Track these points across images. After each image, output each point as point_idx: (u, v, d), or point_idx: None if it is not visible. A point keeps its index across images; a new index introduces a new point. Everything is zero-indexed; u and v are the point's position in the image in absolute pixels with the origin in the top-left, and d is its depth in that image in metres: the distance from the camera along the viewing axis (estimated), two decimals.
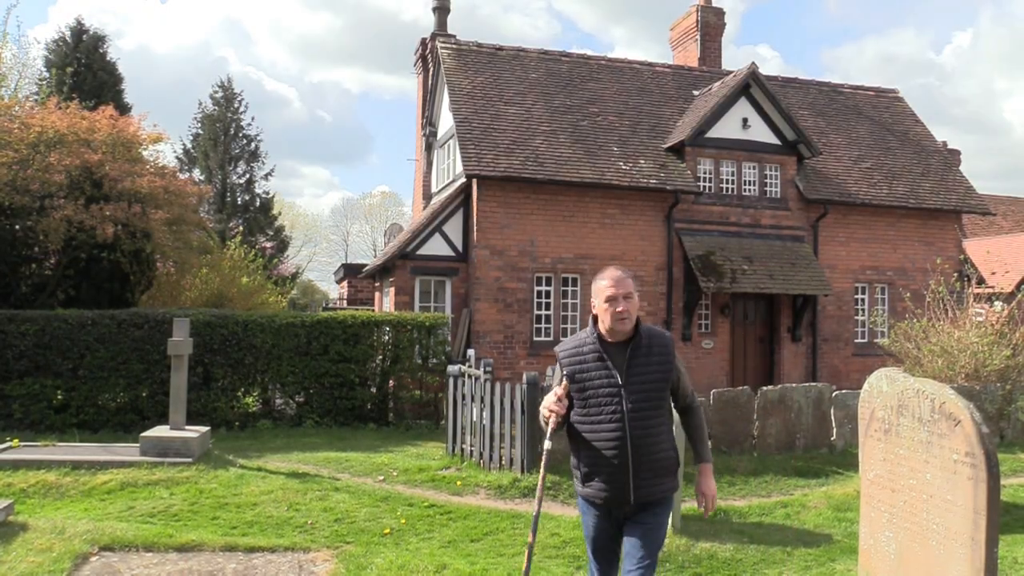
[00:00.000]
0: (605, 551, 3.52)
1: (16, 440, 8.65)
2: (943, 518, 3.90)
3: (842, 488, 7.67)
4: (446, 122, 16.50)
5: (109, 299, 12.66)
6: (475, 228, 14.13)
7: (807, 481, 8.17)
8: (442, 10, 18.57)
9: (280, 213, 29.95)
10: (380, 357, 12.19)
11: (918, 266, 16.28)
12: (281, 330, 11.51)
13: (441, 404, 12.35)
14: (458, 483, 7.88)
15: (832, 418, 9.56)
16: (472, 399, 8.84)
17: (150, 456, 7.91)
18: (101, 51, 18.75)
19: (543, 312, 14.49)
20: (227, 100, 27.20)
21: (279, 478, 7.62)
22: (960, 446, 3.82)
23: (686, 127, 15.64)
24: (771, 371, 15.98)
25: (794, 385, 9.63)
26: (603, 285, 3.45)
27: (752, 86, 15.67)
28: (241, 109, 27.40)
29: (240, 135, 27.14)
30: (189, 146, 26.92)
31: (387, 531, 6.23)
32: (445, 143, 16.69)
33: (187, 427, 8.43)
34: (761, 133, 15.82)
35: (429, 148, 18.42)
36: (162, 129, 13.74)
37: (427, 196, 18.56)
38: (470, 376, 9.13)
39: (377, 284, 17.75)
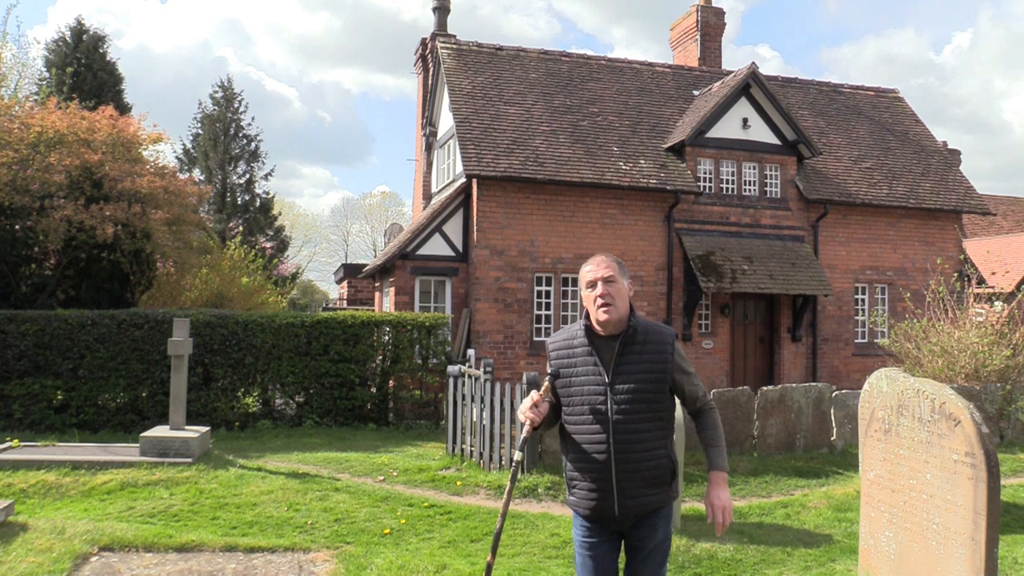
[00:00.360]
0: (597, 570, 3.10)
1: (16, 440, 8.64)
2: (943, 518, 3.90)
3: (842, 488, 7.67)
4: (446, 122, 16.50)
5: (109, 299, 12.66)
6: (475, 228, 14.13)
7: (807, 481, 8.17)
8: (442, 10, 18.58)
9: (280, 213, 29.94)
10: (380, 357, 12.19)
11: (918, 266, 16.28)
12: (281, 330, 11.51)
13: (441, 404, 12.35)
14: (458, 483, 7.88)
15: (832, 418, 9.56)
16: (472, 399, 8.84)
17: (150, 456, 7.90)
18: (101, 51, 18.75)
19: (543, 312, 14.49)
20: (227, 100, 27.19)
21: (279, 478, 7.62)
22: (960, 446, 3.82)
23: (686, 127, 15.64)
24: (771, 371, 15.98)
25: (794, 385, 9.63)
26: (585, 270, 3.15)
27: (752, 86, 15.67)
28: (241, 109, 27.39)
29: (240, 135, 27.13)
30: (189, 146, 26.91)
31: (387, 531, 6.23)
32: (445, 143, 16.69)
33: (187, 427, 8.43)
34: (761, 133, 15.82)
35: (429, 148, 18.43)
36: (162, 129, 13.76)
37: (427, 196, 18.56)
38: (470, 376, 9.12)
39: (377, 284, 17.75)
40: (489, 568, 3.06)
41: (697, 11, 20.22)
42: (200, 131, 26.91)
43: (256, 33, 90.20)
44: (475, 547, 5.93)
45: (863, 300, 16.56)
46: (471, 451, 8.81)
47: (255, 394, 11.94)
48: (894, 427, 4.31)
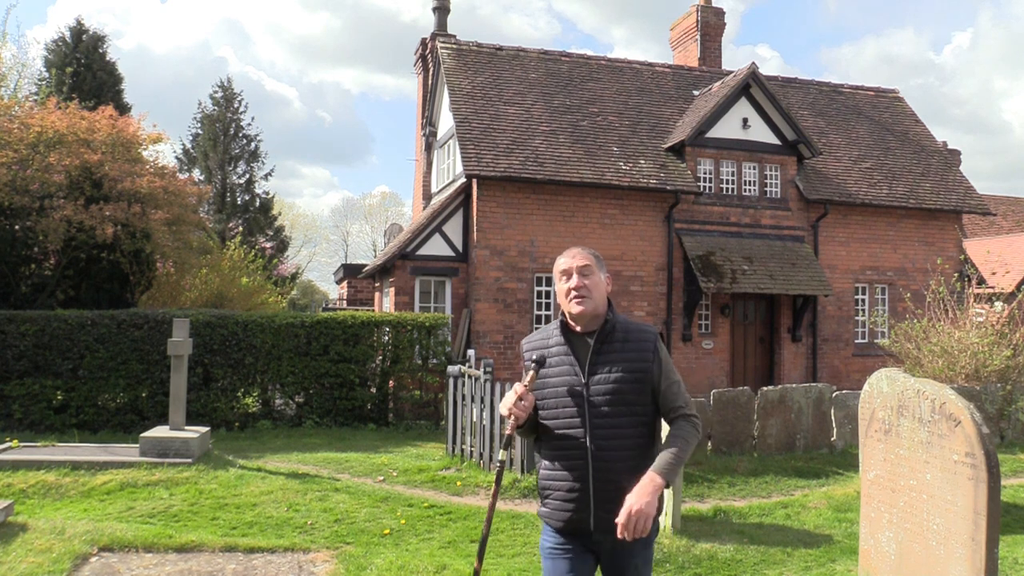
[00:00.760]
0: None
1: (16, 440, 8.64)
2: (943, 518, 3.89)
3: (842, 488, 7.66)
4: (446, 122, 16.50)
5: (109, 299, 12.66)
6: (475, 228, 14.13)
7: (807, 481, 8.17)
8: (442, 10, 18.58)
9: (280, 213, 29.95)
10: (380, 357, 12.19)
11: (918, 266, 16.28)
12: (281, 330, 11.51)
13: (441, 404, 12.35)
14: (458, 483, 7.87)
15: (832, 418, 9.56)
16: (472, 399, 8.84)
17: (150, 456, 7.90)
18: (101, 51, 18.76)
19: (543, 312, 14.49)
20: (227, 100, 27.19)
21: (279, 478, 7.61)
22: (960, 446, 3.82)
23: (686, 127, 15.64)
24: (771, 371, 15.98)
25: (794, 385, 9.63)
26: (559, 262, 2.92)
27: (752, 86, 15.67)
28: (241, 109, 27.40)
29: (240, 135, 27.14)
30: (189, 146, 26.92)
31: (387, 531, 6.23)
32: (445, 143, 16.69)
33: (187, 427, 8.43)
34: (761, 133, 15.82)
35: (429, 148, 18.43)
36: (162, 129, 13.79)
37: (427, 196, 18.56)
38: (470, 376, 9.12)
39: (377, 284, 17.75)
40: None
41: (697, 11, 20.23)
42: (200, 131, 26.92)
43: (256, 33, 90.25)
44: (475, 547, 5.93)
45: (863, 300, 16.56)
46: (471, 451, 8.81)
47: (255, 394, 11.94)
48: (894, 427, 4.31)
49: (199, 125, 27.07)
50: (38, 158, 11.69)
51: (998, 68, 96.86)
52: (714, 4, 20.51)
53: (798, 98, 18.38)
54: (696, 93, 17.32)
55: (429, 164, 18.52)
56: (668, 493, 6.24)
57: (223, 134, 26.68)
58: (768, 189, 15.90)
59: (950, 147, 24.90)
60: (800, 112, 17.71)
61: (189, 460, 7.85)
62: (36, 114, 12.24)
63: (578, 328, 2.86)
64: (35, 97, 15.98)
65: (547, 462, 2.85)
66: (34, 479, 7.27)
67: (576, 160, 14.66)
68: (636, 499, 2.59)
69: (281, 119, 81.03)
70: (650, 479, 2.63)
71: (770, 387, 9.47)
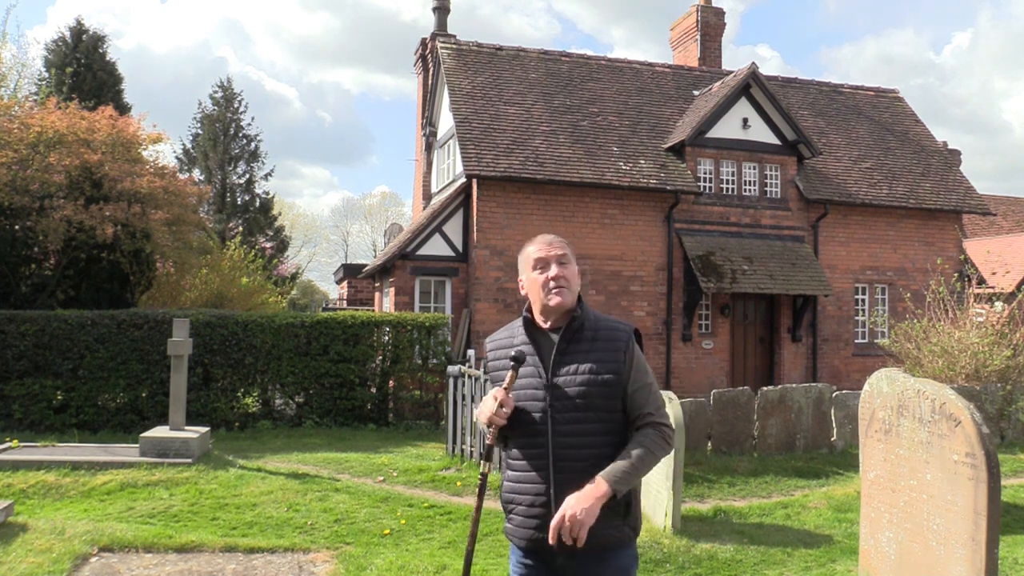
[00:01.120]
0: None
1: (16, 441, 8.64)
2: (943, 518, 3.89)
3: (842, 488, 7.66)
4: (446, 122, 16.50)
5: (109, 299, 12.66)
6: (475, 228, 14.13)
7: (807, 481, 8.17)
8: (442, 10, 18.58)
9: (280, 213, 29.96)
10: (380, 357, 12.19)
11: (918, 266, 16.28)
12: (281, 330, 11.51)
13: (441, 404, 12.35)
14: (458, 484, 7.87)
15: (832, 418, 9.56)
16: (472, 399, 8.84)
17: (150, 457, 7.90)
18: (101, 51, 18.76)
19: None
20: (227, 100, 27.20)
21: (279, 479, 7.61)
22: (960, 447, 3.82)
23: (686, 127, 15.64)
24: (771, 371, 15.97)
25: (794, 385, 9.63)
26: (530, 251, 2.66)
27: (752, 86, 15.67)
28: (241, 109, 27.41)
29: (240, 135, 27.14)
30: (189, 146, 26.93)
31: (387, 532, 6.23)
32: (445, 143, 16.69)
33: (187, 427, 8.43)
34: (761, 133, 15.82)
35: (429, 148, 18.42)
36: (162, 129, 13.79)
37: (427, 196, 18.56)
38: (470, 376, 9.12)
39: (377, 284, 17.75)
40: None
41: (697, 11, 20.22)
42: (200, 131, 26.93)
43: (256, 33, 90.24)
44: (475, 547, 5.92)
45: (863, 300, 16.56)
46: (471, 451, 8.81)
47: (255, 394, 11.94)
48: (894, 427, 4.31)
49: (199, 125, 27.08)
50: (38, 158, 11.69)
51: (998, 68, 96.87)
52: (714, 4, 20.51)
53: (798, 98, 18.38)
54: (696, 93, 17.32)
55: (429, 164, 18.52)
56: (668, 493, 6.23)
57: (223, 134, 26.69)
58: (768, 189, 15.90)
59: (950, 147, 24.89)
60: (800, 112, 17.71)
61: (189, 460, 7.85)
62: (36, 114, 12.24)
63: (545, 324, 2.60)
64: (35, 97, 15.98)
65: (510, 472, 2.58)
66: (34, 479, 7.27)
67: (576, 160, 14.66)
68: (574, 504, 2.31)
69: (281, 119, 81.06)
70: (595, 486, 2.34)
71: (770, 387, 9.47)
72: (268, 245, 26.01)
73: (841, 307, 16.22)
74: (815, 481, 8.18)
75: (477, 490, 2.62)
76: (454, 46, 16.53)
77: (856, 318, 16.42)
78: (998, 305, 12.47)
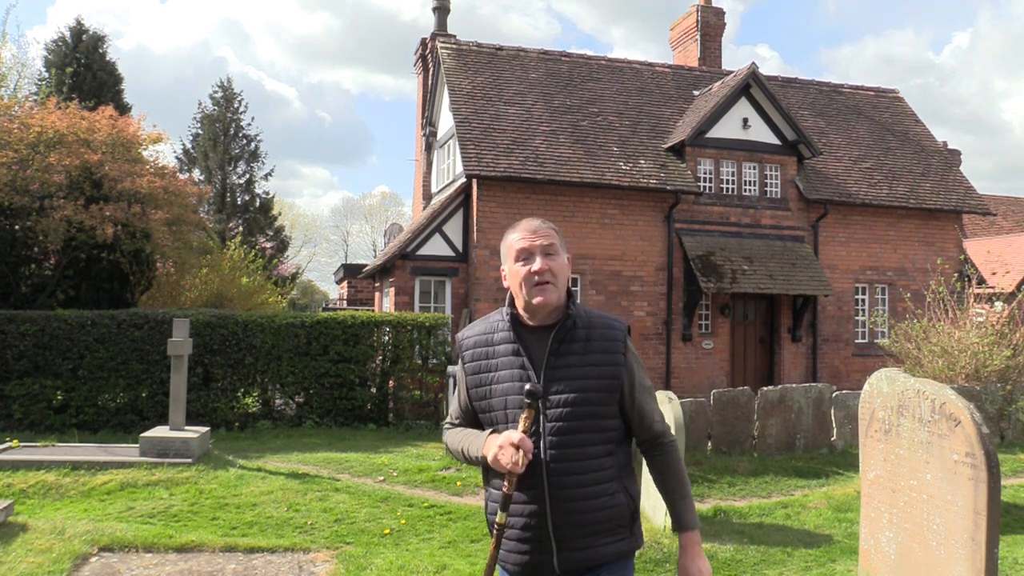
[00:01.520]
0: None
1: (16, 441, 8.64)
2: (943, 518, 3.89)
3: (842, 488, 7.66)
4: (446, 122, 16.50)
5: (109, 299, 12.66)
6: (475, 228, 14.13)
7: (807, 481, 8.17)
8: (442, 10, 18.58)
9: (280, 213, 29.97)
10: (380, 357, 12.19)
11: (918, 266, 16.27)
12: (281, 330, 11.51)
13: (441, 404, 12.35)
14: (458, 483, 7.87)
15: (832, 418, 9.56)
16: None
17: (150, 456, 7.90)
18: (101, 51, 18.75)
19: None
20: (227, 100, 27.20)
21: (279, 478, 7.61)
22: (960, 446, 3.82)
23: (686, 127, 15.64)
24: (771, 371, 15.97)
25: (794, 385, 9.63)
26: (512, 239, 2.35)
27: (752, 86, 15.67)
28: (241, 109, 27.41)
29: (240, 135, 27.15)
30: (189, 146, 26.93)
31: (387, 531, 6.23)
32: (445, 143, 16.68)
33: (187, 427, 8.43)
34: (761, 133, 15.82)
35: (429, 148, 18.42)
36: (162, 129, 13.80)
37: (427, 196, 18.55)
38: None
39: (377, 284, 17.75)
40: None
41: (697, 11, 20.22)
42: (200, 131, 26.93)
43: (256, 33, 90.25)
44: (475, 547, 5.93)
45: (863, 300, 16.56)
46: None
47: (255, 394, 11.94)
48: (894, 427, 4.31)
49: (199, 125, 27.08)
50: (38, 158, 11.69)
51: (998, 68, 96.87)
52: (714, 4, 20.51)
53: (798, 98, 18.37)
54: (696, 93, 17.32)
55: (429, 164, 18.51)
56: None
57: (223, 134, 26.69)
58: (768, 189, 15.90)
59: (950, 147, 24.89)
60: (800, 112, 17.71)
61: (189, 460, 7.85)
62: (36, 114, 12.24)
63: (532, 321, 2.32)
64: (35, 97, 15.98)
65: (496, 491, 2.30)
66: (34, 479, 7.27)
67: (576, 160, 14.65)
68: (695, 567, 2.26)
69: (281, 119, 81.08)
70: (694, 539, 2.29)
71: (770, 387, 9.48)
72: (268, 245, 26.01)
73: (841, 307, 16.22)
74: (815, 481, 8.18)
75: (492, 544, 2.23)
76: (454, 46, 16.53)
77: (856, 318, 16.42)
78: (998, 305, 12.47)
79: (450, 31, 18.39)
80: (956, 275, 12.18)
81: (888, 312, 16.02)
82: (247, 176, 27.24)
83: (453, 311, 14.20)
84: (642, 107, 16.55)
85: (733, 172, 15.71)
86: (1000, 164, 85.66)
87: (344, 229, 52.96)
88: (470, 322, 13.78)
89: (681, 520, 2.32)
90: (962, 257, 16.33)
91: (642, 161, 15.13)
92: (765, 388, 9.40)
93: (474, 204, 14.24)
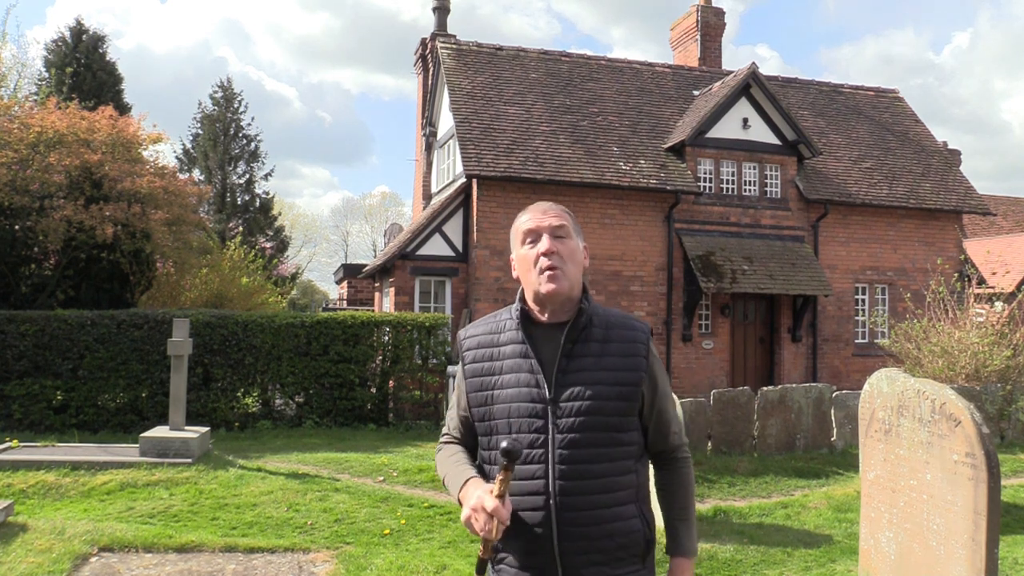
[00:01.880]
0: None
1: (16, 440, 8.64)
2: (943, 518, 3.89)
3: (842, 488, 7.66)
4: (446, 122, 16.50)
5: (109, 299, 12.66)
6: (475, 228, 14.13)
7: (807, 481, 8.16)
8: (442, 10, 18.57)
9: (280, 213, 29.97)
10: (380, 357, 12.19)
11: (918, 266, 16.28)
12: (281, 330, 11.50)
13: (441, 404, 12.35)
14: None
15: (832, 418, 9.56)
16: None
17: (150, 457, 7.90)
18: (100, 51, 18.74)
19: None
20: (227, 100, 27.20)
21: (279, 479, 7.61)
22: (960, 447, 3.82)
23: (686, 127, 15.64)
24: (771, 371, 15.97)
25: (794, 385, 9.63)
26: (521, 220, 2.11)
27: (752, 86, 15.67)
28: (241, 109, 27.41)
29: (240, 135, 27.14)
30: (189, 146, 26.93)
31: (387, 532, 6.22)
32: (445, 143, 16.68)
33: (187, 427, 8.43)
34: (761, 133, 15.82)
35: (429, 148, 18.42)
36: (162, 129, 13.80)
37: (427, 196, 18.55)
38: None
39: (377, 284, 17.75)
40: None
41: (697, 11, 20.22)
42: (200, 131, 26.93)
43: (256, 33, 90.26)
44: (475, 547, 5.93)
45: (863, 300, 16.56)
46: None
47: (255, 394, 11.94)
48: (894, 427, 4.31)
49: (199, 125, 27.08)
50: (38, 158, 11.69)
51: (998, 68, 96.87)
52: (714, 4, 20.51)
53: (798, 98, 18.37)
54: (696, 93, 17.32)
55: (429, 164, 18.51)
56: None
57: (223, 134, 26.69)
58: (768, 189, 15.90)
59: (950, 147, 24.89)
60: (800, 112, 17.71)
61: (189, 460, 7.85)
62: (36, 114, 12.24)
63: (543, 317, 2.05)
64: (35, 97, 15.97)
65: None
66: (34, 479, 7.27)
67: (576, 160, 14.65)
68: None
69: (281, 119, 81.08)
70: (686, 565, 2.11)
71: (770, 387, 9.47)
72: (268, 245, 26.01)
73: (841, 307, 16.22)
74: (815, 481, 8.18)
75: None
76: (454, 46, 16.53)
77: (856, 318, 16.42)
78: (998, 305, 12.47)
79: (450, 31, 18.40)
80: (956, 275, 12.18)
81: (888, 312, 16.01)
82: (247, 176, 27.24)
83: (453, 311, 14.20)
84: (642, 107, 16.55)
85: (733, 172, 15.70)
86: (1000, 164, 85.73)
87: (344, 229, 53.01)
88: (470, 322, 13.82)
89: (680, 545, 2.11)
90: (962, 257, 16.32)
91: (642, 161, 15.12)
92: (765, 388, 9.40)
93: (474, 204, 14.23)
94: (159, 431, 8.29)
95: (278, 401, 12.24)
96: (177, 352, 8.32)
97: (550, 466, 1.95)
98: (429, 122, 18.17)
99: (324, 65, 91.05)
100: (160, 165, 13.59)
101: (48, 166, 11.62)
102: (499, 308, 2.21)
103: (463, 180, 14.40)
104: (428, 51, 18.70)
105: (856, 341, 16.40)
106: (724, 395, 9.15)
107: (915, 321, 10.31)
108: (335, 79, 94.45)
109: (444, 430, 2.24)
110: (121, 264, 12.56)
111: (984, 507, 3.65)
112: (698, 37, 20.21)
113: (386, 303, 15.66)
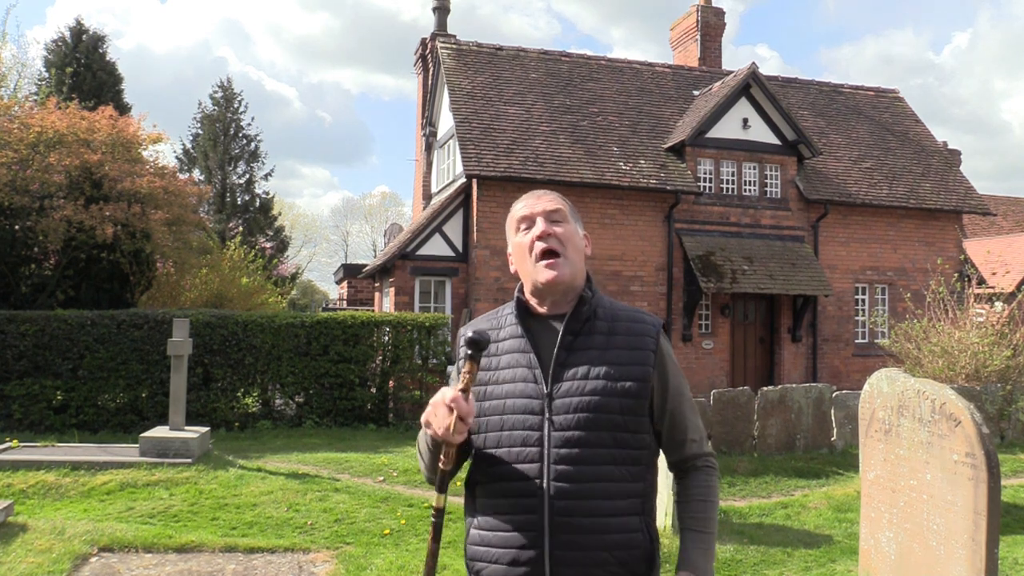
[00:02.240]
0: None
1: (16, 440, 8.64)
2: (943, 519, 3.89)
3: (842, 488, 7.66)
4: (446, 122, 16.50)
5: (109, 299, 12.65)
6: (475, 228, 14.13)
7: (807, 481, 8.16)
8: (442, 10, 18.57)
9: (280, 213, 29.96)
10: (380, 357, 12.19)
11: (918, 266, 16.28)
12: (281, 330, 11.50)
13: None
14: (458, 483, 7.83)
15: (832, 418, 9.56)
16: None
17: (149, 457, 7.90)
18: (100, 51, 18.74)
19: None
20: (227, 100, 27.19)
21: (279, 479, 7.61)
22: (960, 447, 3.82)
23: (686, 127, 15.63)
24: (771, 371, 15.97)
25: (794, 385, 9.63)
26: (516, 208, 1.96)
27: (752, 86, 15.67)
28: (241, 109, 27.40)
29: (240, 135, 27.14)
30: (189, 146, 26.92)
31: (387, 532, 6.22)
32: (445, 143, 16.68)
33: (187, 427, 8.43)
34: (761, 133, 15.81)
35: (429, 148, 18.42)
36: (162, 129, 13.79)
37: (427, 196, 18.55)
38: None
39: (377, 284, 17.75)
40: None
41: (697, 11, 20.22)
42: (200, 131, 26.93)
43: (256, 33, 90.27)
44: None
45: (863, 300, 16.56)
46: None
47: (255, 394, 11.94)
48: (894, 427, 4.31)
49: (199, 125, 27.07)
50: (38, 158, 11.68)
51: (998, 68, 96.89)
52: (714, 4, 20.52)
53: (798, 98, 18.37)
54: (696, 93, 17.31)
55: (429, 164, 18.51)
56: (668, 493, 6.23)
57: (223, 134, 26.69)
58: (768, 189, 15.90)
59: (950, 147, 24.89)
60: (800, 112, 17.70)
61: (189, 460, 7.84)
62: (36, 114, 12.23)
63: (542, 309, 1.90)
64: (35, 97, 15.97)
65: (482, 518, 1.90)
66: (34, 479, 7.26)
67: (576, 160, 14.65)
68: None
69: (281, 119, 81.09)
70: None
71: (770, 387, 9.47)
72: (268, 245, 26.00)
73: (841, 307, 16.22)
74: (815, 481, 8.18)
75: (430, 534, 1.83)
76: (454, 46, 16.53)
77: (856, 318, 16.42)
78: (998, 305, 12.47)
79: (450, 31, 18.39)
80: (956, 275, 12.18)
81: (888, 312, 16.01)
82: (247, 176, 27.24)
83: (453, 311, 14.20)
84: (642, 107, 16.55)
85: (733, 172, 15.70)
86: (1000, 164, 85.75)
87: (344, 229, 53.01)
88: (470, 321, 13.85)
89: (688, 559, 1.82)
90: (962, 257, 16.32)
91: (642, 161, 15.12)
92: (765, 388, 9.40)
93: (474, 204, 14.23)
94: (159, 431, 8.29)
95: (278, 401, 12.23)
96: (177, 352, 8.32)
97: (545, 466, 1.77)
98: (429, 122, 18.17)
99: (324, 65, 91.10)
100: (160, 165, 13.59)
101: (48, 166, 11.62)
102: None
103: (463, 180, 14.40)
104: (428, 51, 18.70)
105: (856, 341, 16.40)
106: (724, 395, 9.15)
107: (915, 321, 10.30)
108: (335, 79, 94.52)
109: None
110: (121, 264, 12.56)
111: (984, 507, 3.65)
112: (698, 37, 20.21)
113: (386, 303, 15.66)
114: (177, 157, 26.63)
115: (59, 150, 11.69)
